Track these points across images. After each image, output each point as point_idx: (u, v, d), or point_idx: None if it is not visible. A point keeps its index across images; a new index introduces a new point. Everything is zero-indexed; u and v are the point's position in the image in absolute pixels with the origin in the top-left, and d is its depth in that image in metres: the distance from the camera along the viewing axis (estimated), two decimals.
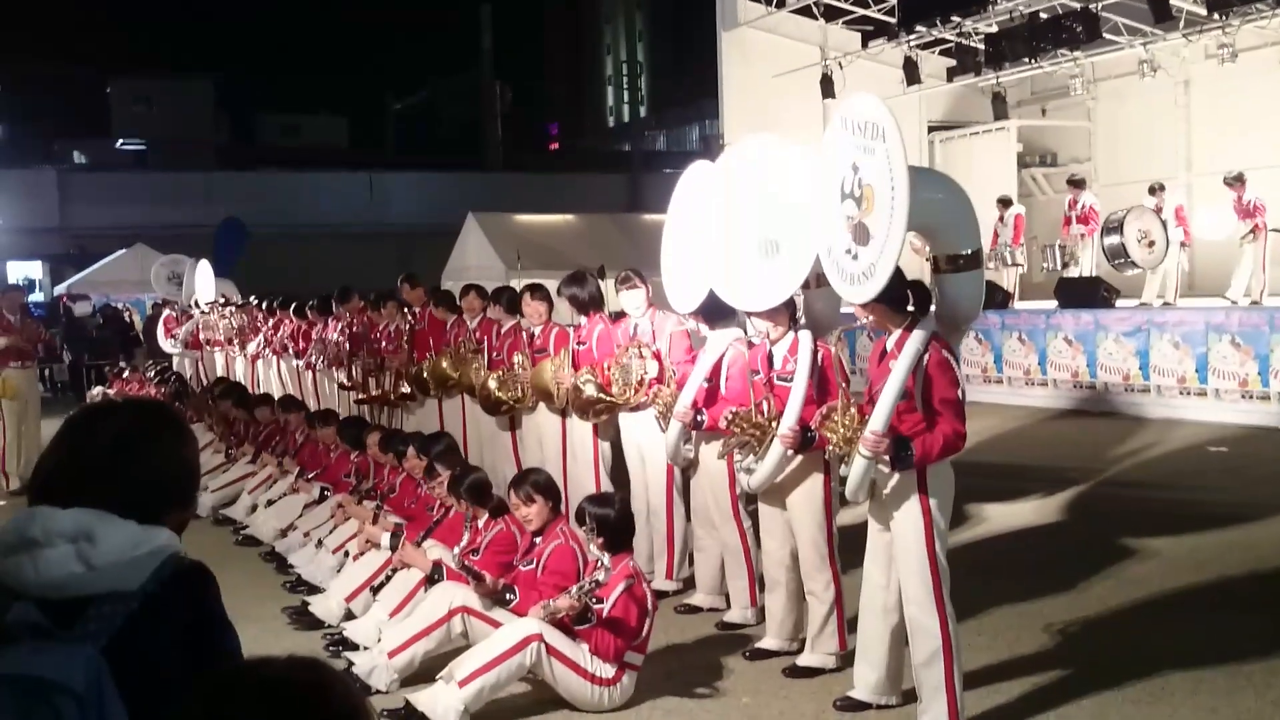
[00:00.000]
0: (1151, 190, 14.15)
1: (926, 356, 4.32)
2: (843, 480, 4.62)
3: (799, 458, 5.08)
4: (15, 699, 1.72)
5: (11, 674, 1.74)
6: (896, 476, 4.35)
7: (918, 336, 4.36)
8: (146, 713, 1.73)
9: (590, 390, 6.50)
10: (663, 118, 54.60)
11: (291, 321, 12.66)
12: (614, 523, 4.97)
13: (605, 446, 6.97)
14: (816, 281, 5.05)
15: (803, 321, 5.29)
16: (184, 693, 1.67)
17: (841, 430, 4.44)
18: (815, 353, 5.09)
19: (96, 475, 1.89)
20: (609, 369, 6.46)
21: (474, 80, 41.20)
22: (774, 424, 5.02)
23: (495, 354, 7.90)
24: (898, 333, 4.45)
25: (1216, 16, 13.92)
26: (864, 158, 4.40)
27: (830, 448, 4.56)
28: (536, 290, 7.54)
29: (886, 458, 4.23)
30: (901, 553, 4.41)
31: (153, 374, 14.78)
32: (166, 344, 15.87)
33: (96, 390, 16.04)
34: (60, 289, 26.28)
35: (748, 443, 5.13)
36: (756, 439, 5.09)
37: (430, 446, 6.67)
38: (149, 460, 1.93)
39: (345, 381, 10.71)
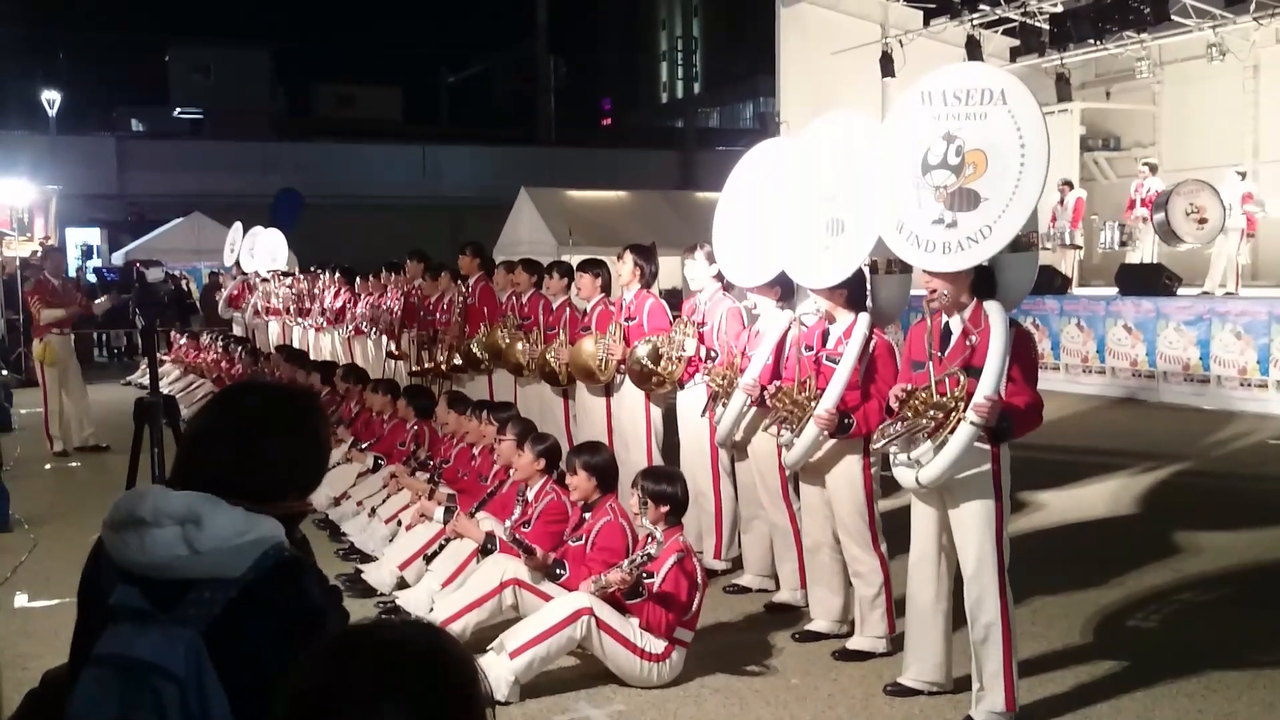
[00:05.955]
0: (1242, 175, 13.99)
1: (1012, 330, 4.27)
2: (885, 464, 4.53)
3: (833, 440, 5.02)
4: (119, 679, 1.73)
5: (114, 654, 1.75)
6: (980, 465, 4.27)
7: (997, 307, 4.29)
8: (245, 700, 1.72)
9: (645, 360, 6.50)
10: (717, 95, 54.23)
11: (344, 291, 12.82)
12: (676, 497, 4.99)
13: (658, 424, 6.95)
14: (886, 267, 4.97)
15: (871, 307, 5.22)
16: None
17: (929, 411, 4.22)
18: (868, 339, 5.01)
19: (222, 454, 1.90)
20: (659, 342, 6.48)
21: (528, 54, 41.17)
22: (813, 403, 4.98)
23: (549, 328, 7.90)
24: (970, 307, 4.37)
25: None
26: (964, 125, 4.38)
27: (916, 424, 4.27)
28: (592, 266, 7.49)
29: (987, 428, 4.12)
30: (967, 536, 4.35)
31: (214, 340, 15.00)
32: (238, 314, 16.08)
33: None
34: (118, 256, 26.67)
35: (785, 419, 5.10)
36: (795, 416, 5.05)
37: (500, 411, 6.76)
38: (274, 445, 1.93)
39: (395, 351, 10.78)
